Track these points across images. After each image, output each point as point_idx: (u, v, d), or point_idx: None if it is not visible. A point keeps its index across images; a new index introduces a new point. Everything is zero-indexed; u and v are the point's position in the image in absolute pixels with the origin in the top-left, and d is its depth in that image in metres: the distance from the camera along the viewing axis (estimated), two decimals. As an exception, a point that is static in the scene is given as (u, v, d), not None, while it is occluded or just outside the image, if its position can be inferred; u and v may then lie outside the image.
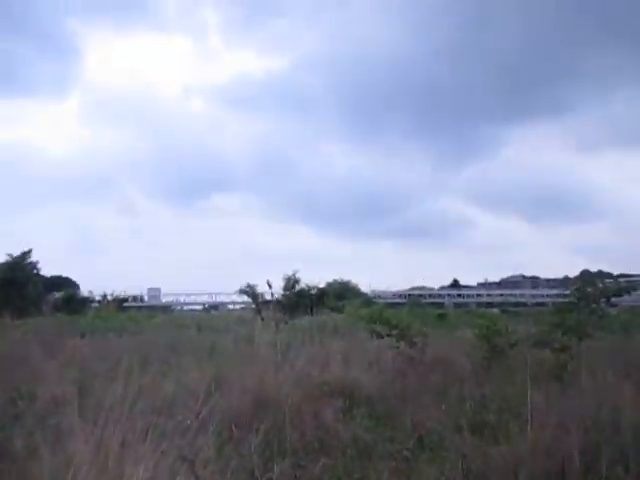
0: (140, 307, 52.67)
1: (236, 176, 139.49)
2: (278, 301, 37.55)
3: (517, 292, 79.65)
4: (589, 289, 9.25)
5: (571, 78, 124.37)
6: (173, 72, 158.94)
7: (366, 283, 66.56)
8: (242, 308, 47.90)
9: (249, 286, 42.22)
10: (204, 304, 63.50)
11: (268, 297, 38.44)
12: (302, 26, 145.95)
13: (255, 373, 7.00)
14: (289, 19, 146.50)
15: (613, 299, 9.63)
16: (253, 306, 39.58)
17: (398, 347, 9.78)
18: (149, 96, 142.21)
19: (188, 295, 65.80)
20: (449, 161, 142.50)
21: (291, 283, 43.50)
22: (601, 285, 9.30)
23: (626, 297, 9.77)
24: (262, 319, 14.44)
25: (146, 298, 64.05)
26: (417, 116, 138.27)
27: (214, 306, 61.59)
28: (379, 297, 62.40)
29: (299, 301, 40.37)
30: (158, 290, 66.18)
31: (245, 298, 46.27)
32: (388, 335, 10.13)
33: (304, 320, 22.40)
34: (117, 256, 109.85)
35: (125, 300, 50.81)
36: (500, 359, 8.91)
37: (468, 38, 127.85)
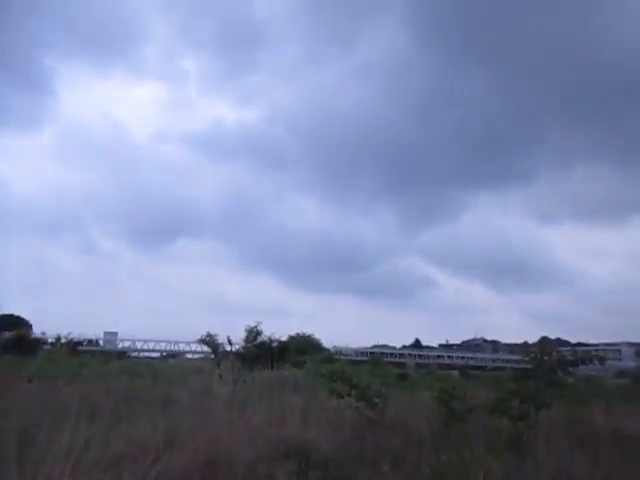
0: (94, 352, 50.83)
1: (205, 223, 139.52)
2: (239, 353, 36.77)
3: (477, 355, 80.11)
4: (546, 357, 9.39)
5: (537, 150, 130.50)
6: (147, 116, 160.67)
7: (329, 338, 66.20)
8: (201, 358, 46.64)
9: (209, 335, 41.21)
10: (162, 352, 61.75)
11: (229, 348, 37.58)
12: (278, 82, 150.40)
13: (210, 430, 6.78)
14: (266, 74, 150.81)
15: (570, 368, 9.77)
16: (212, 357, 38.59)
17: (358, 407, 9.65)
18: (121, 138, 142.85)
19: (146, 341, 64.00)
20: (415, 221, 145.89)
21: (253, 335, 42.74)
22: (557, 354, 9.45)
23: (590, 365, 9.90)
24: (220, 375, 14.05)
25: (102, 342, 61.98)
26: (386, 176, 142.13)
27: (172, 354, 59.93)
28: (341, 353, 61.89)
29: (260, 354, 39.56)
30: (115, 334, 64.23)
31: (205, 348, 45.15)
32: (348, 394, 9.99)
33: (264, 374, 21.93)
34: (75, 297, 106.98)
35: (79, 343, 49.03)
36: (458, 425, 8.85)
37: (439, 104, 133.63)
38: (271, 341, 43.45)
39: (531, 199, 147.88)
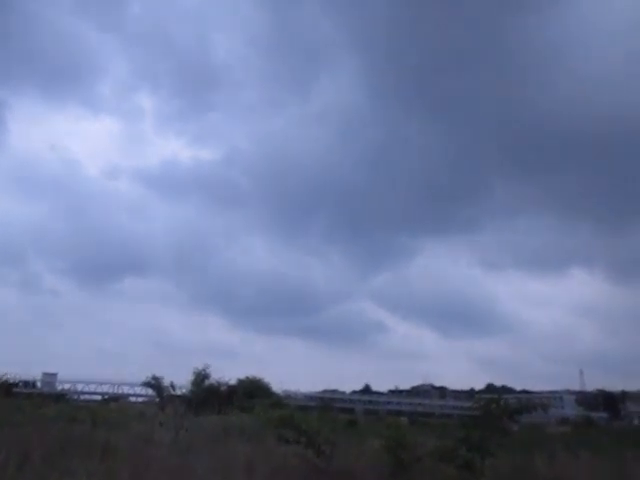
0: (31, 394, 48.11)
1: (154, 261, 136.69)
2: (185, 397, 35.59)
3: (426, 402, 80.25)
4: (493, 405, 9.54)
5: (483, 201, 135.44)
6: (100, 150, 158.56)
7: (279, 382, 65.10)
8: (145, 402, 44.93)
9: (155, 378, 39.86)
10: (104, 394, 59.02)
11: (174, 392, 36.41)
12: (234, 124, 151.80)
13: None
14: (222, 116, 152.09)
15: (515, 416, 9.94)
16: (157, 400, 37.21)
17: (305, 455, 9.47)
18: (72, 171, 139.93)
19: (87, 383, 61.11)
20: (367, 266, 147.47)
21: (200, 378, 41.56)
22: (503, 403, 9.62)
23: (534, 413, 10.11)
24: (161, 423, 13.54)
25: (39, 384, 58.79)
26: (339, 220, 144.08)
27: (114, 397, 57.35)
28: (291, 398, 60.76)
29: (207, 398, 38.41)
30: (54, 376, 61.13)
31: (150, 391, 43.51)
32: (296, 442, 9.81)
33: (211, 419, 21.28)
34: (12, 335, 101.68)
35: (15, 385, 46.31)
36: (406, 474, 8.80)
37: (392, 153, 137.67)
38: (219, 385, 42.38)
39: (477, 247, 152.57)
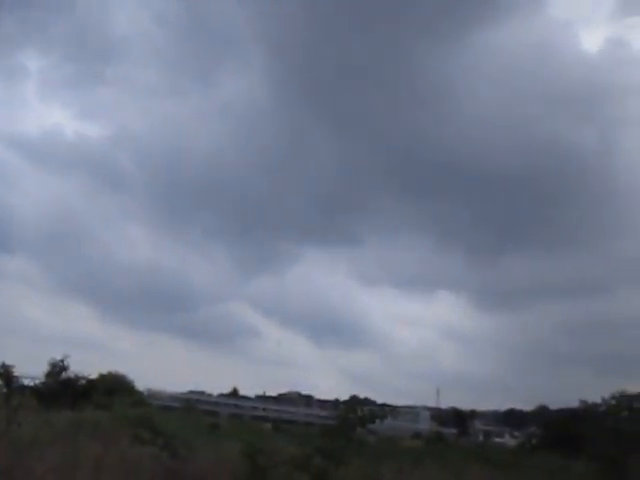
0: None
1: (21, 238, 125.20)
2: (37, 389, 33.03)
3: (291, 409, 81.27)
4: (351, 415, 9.90)
5: (367, 215, 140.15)
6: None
7: (144, 380, 62.58)
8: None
9: (3, 366, 36.54)
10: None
11: (26, 382, 33.64)
12: (129, 102, 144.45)
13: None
14: (116, 92, 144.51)
15: (374, 427, 10.41)
16: (4, 391, 34.13)
17: (160, 457, 9.18)
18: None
19: None
20: (248, 268, 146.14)
21: (57, 370, 38.76)
22: (360, 412, 10.01)
23: (391, 426, 10.61)
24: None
25: None
26: (227, 220, 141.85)
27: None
28: (154, 398, 58.63)
29: (63, 391, 35.90)
30: None
31: (-4, 380, 39.74)
32: (152, 443, 9.48)
33: (62, 415, 19.92)
34: None
35: None
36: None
37: (287, 158, 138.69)
38: (77, 378, 39.81)
39: (356, 261, 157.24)
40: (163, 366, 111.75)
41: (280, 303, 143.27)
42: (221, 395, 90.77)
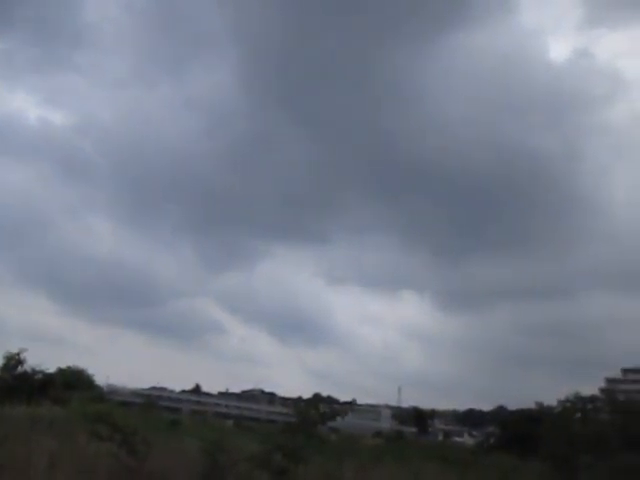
0: None
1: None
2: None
3: (254, 406, 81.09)
4: (312, 412, 9.97)
5: (335, 215, 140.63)
6: None
7: (105, 375, 61.55)
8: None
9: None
10: None
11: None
12: (96, 90, 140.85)
13: None
14: (83, 78, 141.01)
15: (335, 425, 10.50)
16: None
17: (118, 454, 9.04)
18: None
19: None
20: (215, 264, 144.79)
21: (13, 363, 37.67)
22: (321, 409, 10.10)
23: (352, 424, 10.73)
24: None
25: None
26: (194, 213, 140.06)
27: None
28: (115, 393, 57.64)
29: (18, 386, 34.90)
30: None
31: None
32: (110, 439, 9.34)
33: (17, 410, 19.38)
34: None
35: None
36: (220, 478, 8.82)
37: (256, 155, 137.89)
38: (34, 372, 38.85)
39: (323, 259, 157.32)
40: (125, 361, 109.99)
41: (246, 300, 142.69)
42: (183, 392, 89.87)
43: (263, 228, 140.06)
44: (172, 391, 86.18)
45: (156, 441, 10.15)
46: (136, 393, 67.47)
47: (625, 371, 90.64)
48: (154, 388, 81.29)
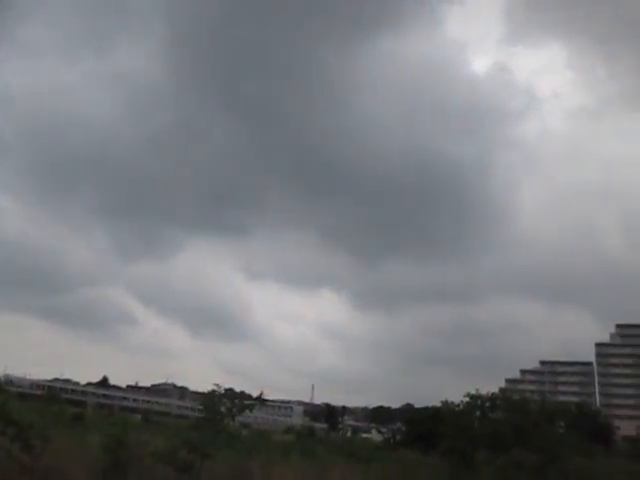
0: None
1: None
2: None
3: (164, 400, 79.17)
4: (219, 406, 9.91)
5: (253, 208, 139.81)
6: None
7: (3, 365, 58.04)
8: None
9: None
10: None
11: None
12: (12, 59, 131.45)
13: None
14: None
15: (247, 420, 10.51)
16: None
17: (10, 450, 8.53)
18: None
19: None
20: (129, 252, 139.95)
21: None
22: (229, 404, 10.08)
23: (264, 420, 10.85)
24: None
25: None
26: (112, 198, 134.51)
27: None
28: (12, 384, 54.41)
29: None
30: None
31: None
32: (3, 434, 8.79)
33: None
34: None
35: None
36: (122, 474, 8.56)
37: (180, 143, 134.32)
38: None
39: (242, 254, 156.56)
40: (26, 351, 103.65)
41: (160, 291, 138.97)
42: (89, 384, 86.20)
43: (183, 218, 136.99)
44: (77, 383, 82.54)
45: (55, 436, 9.68)
46: (37, 384, 64.17)
47: (523, 372, 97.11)
48: (57, 380, 77.51)
